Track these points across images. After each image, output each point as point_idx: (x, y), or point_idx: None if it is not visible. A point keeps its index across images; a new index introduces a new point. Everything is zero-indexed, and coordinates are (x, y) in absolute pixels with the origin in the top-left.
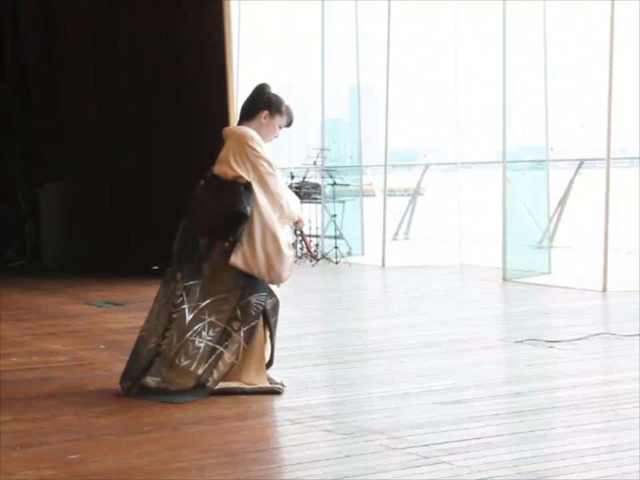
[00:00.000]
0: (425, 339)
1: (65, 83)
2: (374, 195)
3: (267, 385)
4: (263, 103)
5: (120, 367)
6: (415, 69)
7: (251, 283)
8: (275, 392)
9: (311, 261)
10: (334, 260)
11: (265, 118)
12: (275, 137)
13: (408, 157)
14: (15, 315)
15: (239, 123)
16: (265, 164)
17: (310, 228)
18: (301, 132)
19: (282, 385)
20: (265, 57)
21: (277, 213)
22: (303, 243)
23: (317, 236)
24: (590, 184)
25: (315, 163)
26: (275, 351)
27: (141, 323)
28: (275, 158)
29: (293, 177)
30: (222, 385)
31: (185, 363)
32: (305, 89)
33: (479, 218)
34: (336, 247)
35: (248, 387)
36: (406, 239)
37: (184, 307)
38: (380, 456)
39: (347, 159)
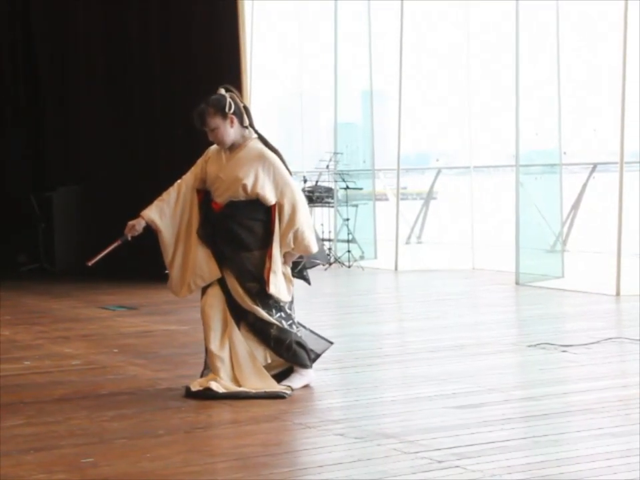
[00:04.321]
0: (438, 343)
1: (76, 87)
2: (387, 199)
3: (272, 389)
4: None
5: (133, 370)
6: (427, 73)
7: None
8: (279, 396)
9: (323, 265)
10: (346, 264)
11: None
12: (212, 140)
13: (420, 160)
14: (28, 318)
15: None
16: None
17: (323, 232)
18: (314, 136)
19: (290, 388)
20: (278, 61)
21: None
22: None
23: (329, 240)
24: (603, 188)
25: (327, 167)
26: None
27: (154, 326)
28: (288, 162)
29: (305, 181)
30: (227, 389)
31: None
32: (317, 92)
33: (492, 222)
34: (349, 251)
35: (253, 391)
36: (419, 242)
37: None
38: (392, 460)
39: (360, 162)
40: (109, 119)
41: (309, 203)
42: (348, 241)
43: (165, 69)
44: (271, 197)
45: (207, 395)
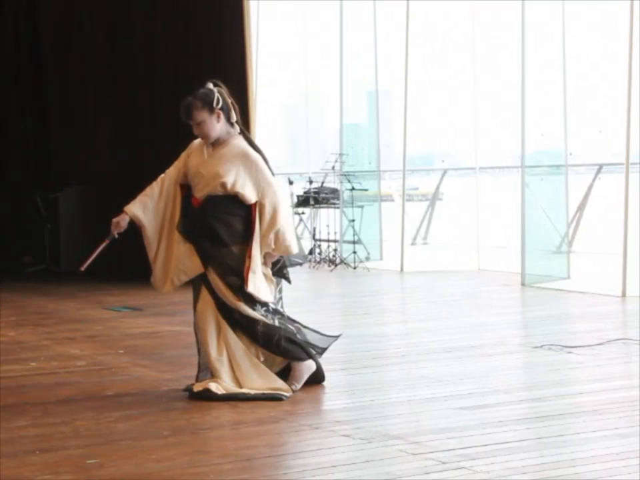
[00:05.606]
0: (444, 344)
1: (81, 87)
2: (392, 200)
3: (273, 385)
4: None
5: (138, 371)
6: (433, 74)
7: None
8: (277, 398)
9: (329, 266)
10: (352, 265)
11: None
12: (197, 134)
13: (426, 161)
14: (34, 319)
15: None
16: None
17: (328, 233)
18: (320, 137)
19: (291, 390)
20: (283, 62)
21: None
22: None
23: (335, 241)
24: (609, 189)
25: (333, 168)
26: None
27: (159, 327)
28: (294, 163)
29: (311, 182)
30: (226, 391)
31: None
32: (322, 93)
33: (498, 223)
34: (354, 252)
35: (252, 392)
36: (424, 243)
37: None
38: (400, 461)
39: (365, 163)
40: (114, 118)
41: (314, 204)
42: (353, 242)
43: (170, 68)
44: (251, 196)
45: (206, 395)
